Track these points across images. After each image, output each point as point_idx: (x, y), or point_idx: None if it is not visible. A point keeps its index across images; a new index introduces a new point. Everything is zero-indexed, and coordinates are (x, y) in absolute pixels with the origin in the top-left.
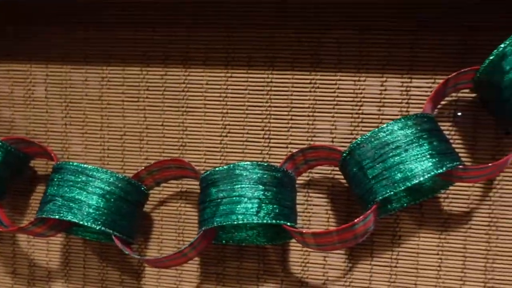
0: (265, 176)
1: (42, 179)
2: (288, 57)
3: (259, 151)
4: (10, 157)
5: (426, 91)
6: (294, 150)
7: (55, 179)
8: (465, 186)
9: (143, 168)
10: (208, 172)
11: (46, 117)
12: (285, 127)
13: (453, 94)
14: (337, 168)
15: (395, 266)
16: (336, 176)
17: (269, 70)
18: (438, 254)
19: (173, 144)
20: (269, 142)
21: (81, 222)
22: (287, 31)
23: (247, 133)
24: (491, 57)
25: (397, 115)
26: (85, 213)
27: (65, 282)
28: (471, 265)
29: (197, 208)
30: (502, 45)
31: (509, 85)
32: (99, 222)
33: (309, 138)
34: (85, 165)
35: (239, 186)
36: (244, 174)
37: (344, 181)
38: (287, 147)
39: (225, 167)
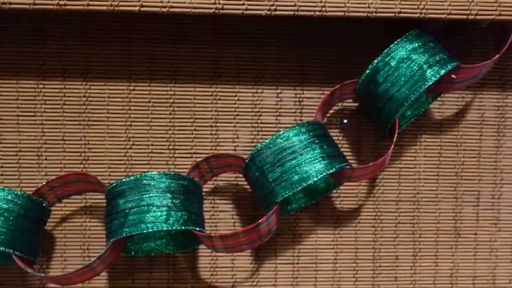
0: (172, 184)
1: None
2: (190, 70)
3: (165, 162)
4: None
5: (316, 101)
6: (199, 159)
7: None
8: (353, 185)
9: (44, 183)
10: (114, 184)
11: None
12: (189, 138)
13: (339, 104)
14: (241, 175)
15: (297, 263)
16: (240, 183)
17: (172, 83)
18: (333, 248)
19: (75, 159)
20: (174, 153)
21: None
22: (187, 46)
23: (152, 145)
24: (367, 71)
25: (292, 123)
26: None
27: None
28: (361, 256)
29: (104, 221)
30: (375, 61)
31: (382, 95)
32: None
33: (213, 148)
34: None
35: (147, 195)
36: (152, 183)
37: (247, 186)
38: (192, 157)
39: (132, 177)
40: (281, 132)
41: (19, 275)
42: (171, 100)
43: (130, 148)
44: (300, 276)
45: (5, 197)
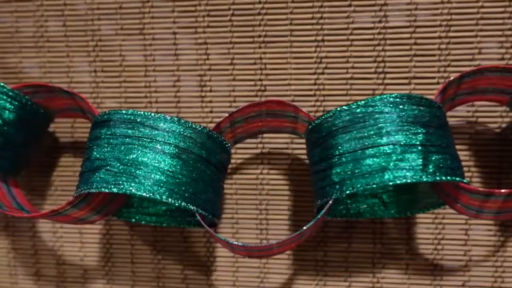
0: (421, 113)
1: (67, 148)
2: None
3: (371, 91)
4: (25, 114)
5: None
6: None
7: (103, 136)
8: None
9: (227, 115)
10: (328, 114)
11: (66, 62)
12: (407, 55)
13: None
14: (483, 108)
15: None
16: (480, 120)
17: None
18: None
19: (248, 89)
20: (384, 78)
21: (152, 196)
22: None
23: (352, 67)
24: None
25: None
26: (156, 183)
27: (108, 283)
28: None
29: (312, 170)
30: None
31: None
32: (178, 196)
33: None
34: (145, 113)
35: (386, 129)
36: (392, 111)
37: (493, 125)
38: (409, 83)
39: (360, 103)
40: None
41: (183, 240)
42: (381, 1)
43: (322, 73)
44: None
45: (181, 132)
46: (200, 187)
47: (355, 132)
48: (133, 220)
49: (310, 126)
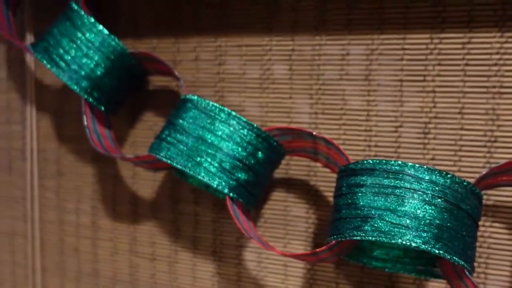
0: None
1: (279, 184)
2: None
3: None
4: (272, 155)
5: None
6: None
7: (368, 184)
8: None
9: (487, 169)
10: None
11: (288, 104)
12: None
13: None
14: None
15: None
16: None
17: None
18: None
19: (476, 139)
20: None
21: (431, 249)
22: None
23: None
24: None
25: None
26: (433, 237)
27: None
28: None
29: None
30: None
31: None
32: (451, 250)
33: None
34: (412, 164)
35: None
36: None
37: None
38: None
39: None
40: None
41: (388, 284)
42: None
43: None
44: None
45: (448, 186)
46: (469, 244)
47: None
48: (361, 262)
49: None
